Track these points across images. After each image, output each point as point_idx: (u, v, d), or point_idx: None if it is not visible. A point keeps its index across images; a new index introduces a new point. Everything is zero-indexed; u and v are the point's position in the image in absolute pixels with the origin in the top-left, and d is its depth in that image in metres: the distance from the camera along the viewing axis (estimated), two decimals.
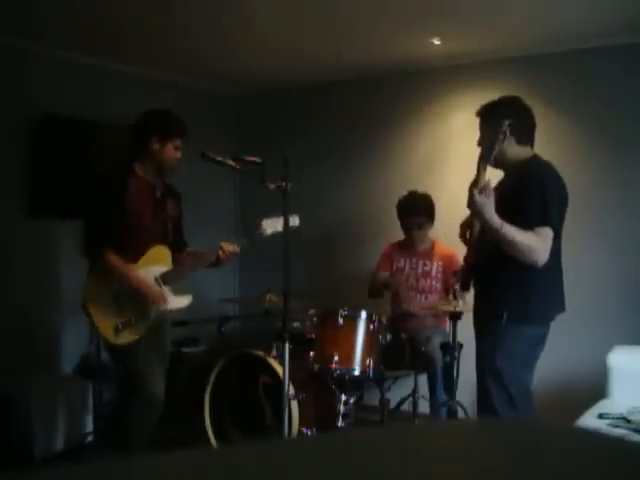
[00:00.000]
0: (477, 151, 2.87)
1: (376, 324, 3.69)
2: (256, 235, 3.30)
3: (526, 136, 2.94)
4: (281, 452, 0.70)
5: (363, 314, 3.69)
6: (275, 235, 3.26)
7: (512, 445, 0.73)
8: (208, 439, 3.79)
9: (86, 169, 4.37)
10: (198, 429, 3.78)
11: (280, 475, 0.62)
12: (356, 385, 3.93)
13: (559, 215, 2.83)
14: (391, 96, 5.13)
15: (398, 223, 4.37)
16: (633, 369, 3.55)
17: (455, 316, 3.57)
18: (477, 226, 2.92)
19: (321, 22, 4.09)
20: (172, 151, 3.27)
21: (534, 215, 2.75)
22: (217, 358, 3.87)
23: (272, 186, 2.92)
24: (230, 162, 3.04)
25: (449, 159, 4.86)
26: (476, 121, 3.03)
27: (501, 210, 2.70)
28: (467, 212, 2.98)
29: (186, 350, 4.87)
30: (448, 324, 3.92)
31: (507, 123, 2.73)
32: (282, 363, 2.96)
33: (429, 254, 4.36)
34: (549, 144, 3.56)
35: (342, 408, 3.65)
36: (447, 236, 4.02)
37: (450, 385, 3.79)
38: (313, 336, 3.77)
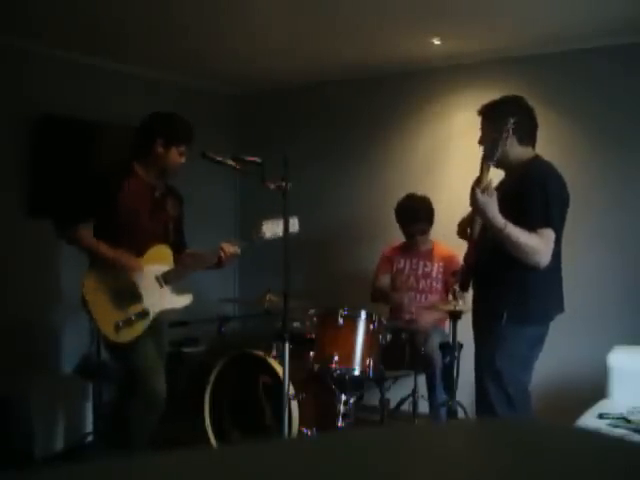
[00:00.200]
0: (478, 151, 2.85)
1: (376, 324, 3.69)
2: (255, 240, 3.31)
3: (528, 136, 2.92)
4: (281, 452, 0.70)
5: (363, 314, 3.69)
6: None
7: (512, 445, 0.73)
8: (208, 439, 3.78)
9: (86, 169, 4.37)
10: (198, 429, 3.77)
11: (280, 475, 0.62)
12: (356, 385, 3.93)
13: (560, 216, 2.83)
14: (391, 96, 5.12)
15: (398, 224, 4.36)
16: (633, 369, 3.54)
17: (455, 316, 3.57)
18: (478, 223, 2.90)
19: (321, 22, 4.09)
20: (176, 156, 3.25)
21: (537, 216, 2.74)
22: (217, 358, 3.87)
23: (272, 186, 2.92)
24: (230, 162, 3.04)
25: (449, 159, 4.86)
26: (476, 121, 3.02)
27: (503, 211, 2.69)
28: (467, 212, 2.98)
29: (186, 350, 4.87)
30: (447, 324, 3.93)
31: (512, 122, 2.68)
32: (282, 363, 2.96)
33: (429, 255, 4.36)
34: (549, 144, 3.56)
35: (342, 408, 3.64)
36: (447, 237, 4.01)
37: (450, 385, 3.79)
38: (313, 336, 3.77)
